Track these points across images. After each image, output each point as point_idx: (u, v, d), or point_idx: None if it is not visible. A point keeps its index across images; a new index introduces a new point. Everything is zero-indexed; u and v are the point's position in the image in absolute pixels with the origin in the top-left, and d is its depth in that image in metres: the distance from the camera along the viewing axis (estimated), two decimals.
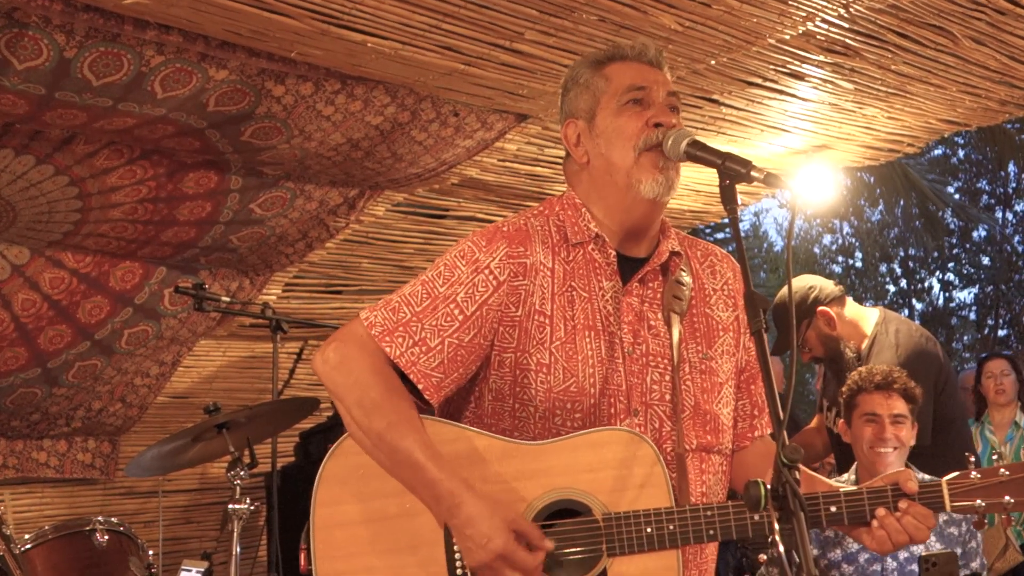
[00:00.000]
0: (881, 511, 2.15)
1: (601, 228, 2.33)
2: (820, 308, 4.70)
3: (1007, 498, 2.13)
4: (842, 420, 4.05)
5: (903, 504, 2.14)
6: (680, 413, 2.28)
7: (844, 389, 4.00)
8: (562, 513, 2.16)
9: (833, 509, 2.15)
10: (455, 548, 2.15)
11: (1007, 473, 2.14)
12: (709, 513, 2.14)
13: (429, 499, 2.15)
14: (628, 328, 2.29)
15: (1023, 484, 2.14)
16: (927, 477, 3.15)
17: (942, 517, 3.57)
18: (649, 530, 2.12)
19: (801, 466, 1.94)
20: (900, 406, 3.80)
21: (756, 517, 2.14)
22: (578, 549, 2.14)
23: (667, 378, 2.29)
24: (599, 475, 2.16)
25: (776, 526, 1.76)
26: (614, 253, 2.32)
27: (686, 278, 2.38)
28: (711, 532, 2.14)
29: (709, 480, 2.33)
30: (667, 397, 2.29)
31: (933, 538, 3.71)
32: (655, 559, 2.12)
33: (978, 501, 2.14)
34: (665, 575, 2.13)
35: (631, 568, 2.13)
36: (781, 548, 1.73)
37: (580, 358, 2.24)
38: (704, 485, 2.31)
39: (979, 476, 2.15)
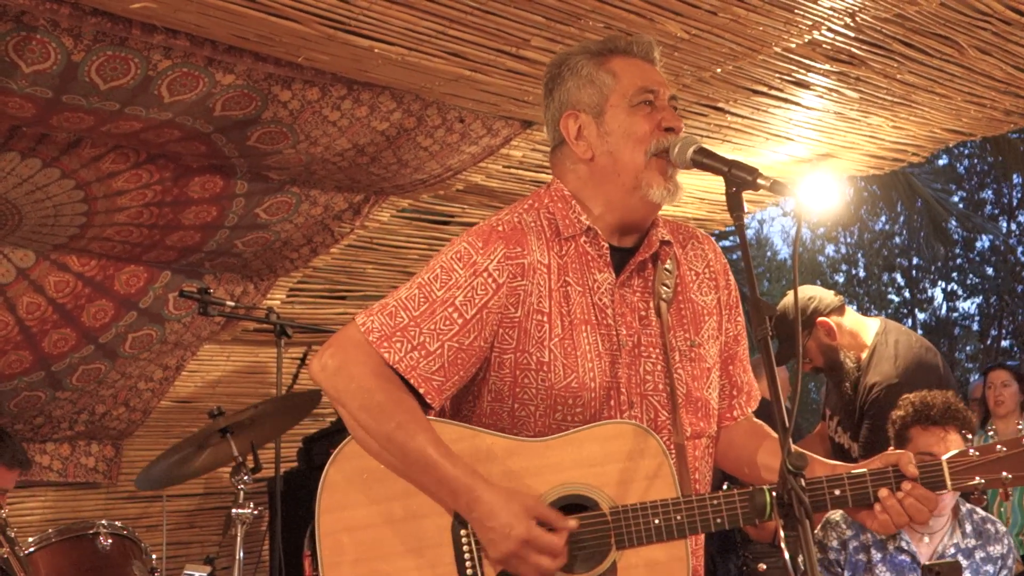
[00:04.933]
0: (884, 492, 2.16)
1: (593, 221, 2.32)
2: (820, 319, 4.69)
3: (1005, 473, 2.20)
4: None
5: (906, 486, 2.16)
6: (676, 402, 2.29)
7: (895, 416, 3.68)
8: (569, 508, 2.16)
9: (837, 492, 2.17)
10: (463, 548, 2.15)
11: (1004, 449, 2.21)
12: (715, 502, 2.15)
13: (446, 496, 2.13)
14: (622, 320, 2.29)
15: (1020, 459, 2.20)
16: None
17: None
18: (657, 521, 2.13)
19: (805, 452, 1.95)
20: (956, 442, 3.45)
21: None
22: (587, 543, 2.14)
23: (659, 368, 2.29)
24: (605, 469, 2.16)
25: (782, 533, 1.76)
26: (607, 246, 2.32)
27: (671, 266, 2.38)
28: (718, 520, 2.14)
29: (702, 466, 2.34)
30: (660, 387, 2.29)
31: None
32: (664, 550, 2.13)
33: (977, 478, 2.20)
34: (674, 565, 2.13)
35: (640, 560, 2.13)
36: (787, 555, 1.73)
37: (579, 354, 2.24)
38: (698, 472, 2.33)
39: (977, 453, 2.22)
